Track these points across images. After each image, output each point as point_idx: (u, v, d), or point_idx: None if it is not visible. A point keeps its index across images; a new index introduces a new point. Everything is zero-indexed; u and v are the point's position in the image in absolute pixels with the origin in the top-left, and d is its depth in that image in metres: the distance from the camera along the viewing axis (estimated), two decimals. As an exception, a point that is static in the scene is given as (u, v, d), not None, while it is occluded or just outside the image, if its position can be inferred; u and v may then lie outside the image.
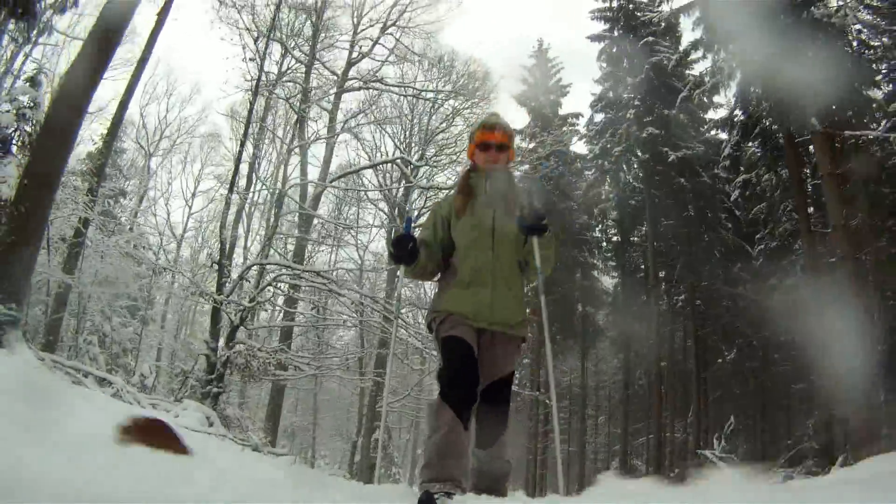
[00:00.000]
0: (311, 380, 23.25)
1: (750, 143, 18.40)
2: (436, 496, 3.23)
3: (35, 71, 14.89)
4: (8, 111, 14.17)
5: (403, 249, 3.70)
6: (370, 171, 23.46)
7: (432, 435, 3.52)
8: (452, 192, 4.15)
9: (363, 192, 24.96)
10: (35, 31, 10.46)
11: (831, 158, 11.97)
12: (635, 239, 27.19)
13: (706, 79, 18.58)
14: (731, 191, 19.72)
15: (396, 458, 29.22)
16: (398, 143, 24.80)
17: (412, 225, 4.03)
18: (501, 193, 3.83)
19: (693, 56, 21.65)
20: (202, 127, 31.82)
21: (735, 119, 18.73)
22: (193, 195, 30.22)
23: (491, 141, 3.91)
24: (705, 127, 23.59)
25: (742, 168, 18.83)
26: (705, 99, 19.11)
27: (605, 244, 29.06)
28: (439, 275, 3.98)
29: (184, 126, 29.50)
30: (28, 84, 14.50)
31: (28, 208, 7.83)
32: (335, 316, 17.93)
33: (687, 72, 22.88)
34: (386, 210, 26.24)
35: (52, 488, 1.50)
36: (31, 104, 14.23)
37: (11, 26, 10.75)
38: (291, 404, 30.51)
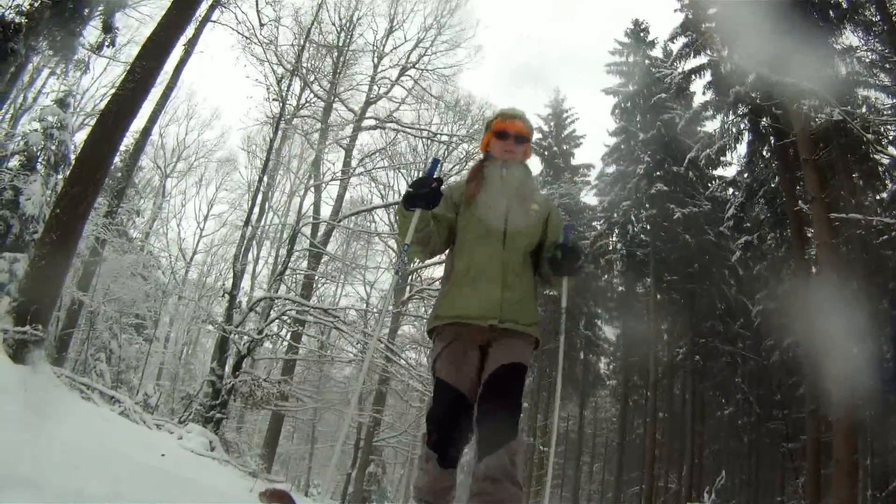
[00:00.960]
0: (311, 410, 23.61)
1: (755, 205, 18.92)
2: None
3: (64, 93, 15.63)
4: (36, 130, 14.90)
5: (426, 187, 3.19)
6: (381, 208, 24.17)
7: (418, 479, 3.30)
8: (462, 179, 3.75)
9: (373, 230, 25.50)
10: (72, 67, 11.00)
11: (829, 226, 12.44)
12: (640, 290, 27.64)
13: (714, 139, 19.26)
14: (734, 249, 20.15)
15: (389, 493, 29.47)
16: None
17: (437, 170, 3.42)
18: (517, 187, 3.52)
19: (705, 114, 22.27)
20: (219, 152, 32.65)
21: (740, 180, 19.34)
22: (206, 218, 30.76)
23: (510, 130, 3.57)
24: (714, 184, 24.08)
25: (748, 226, 19.35)
26: (713, 156, 19.61)
27: (609, 294, 29.53)
28: (443, 270, 3.63)
29: (201, 150, 30.13)
30: (56, 105, 15.26)
31: (59, 236, 8.35)
32: (338, 352, 18.47)
33: (698, 128, 23.49)
34: (395, 248, 26.84)
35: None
36: (59, 125, 14.96)
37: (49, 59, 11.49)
38: (288, 431, 30.78)
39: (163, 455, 7.77)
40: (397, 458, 32.10)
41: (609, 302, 29.31)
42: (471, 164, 24.25)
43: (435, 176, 3.23)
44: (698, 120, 22.67)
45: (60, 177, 14.62)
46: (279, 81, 18.33)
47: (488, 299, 3.27)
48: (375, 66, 24.58)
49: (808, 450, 15.36)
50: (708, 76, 19.82)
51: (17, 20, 9.88)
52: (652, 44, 26.29)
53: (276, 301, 15.36)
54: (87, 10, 10.45)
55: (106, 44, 10.79)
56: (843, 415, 11.36)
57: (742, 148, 19.20)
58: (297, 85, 21.83)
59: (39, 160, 14.61)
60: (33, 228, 14.00)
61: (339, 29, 23.79)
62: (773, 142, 17.67)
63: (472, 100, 25.62)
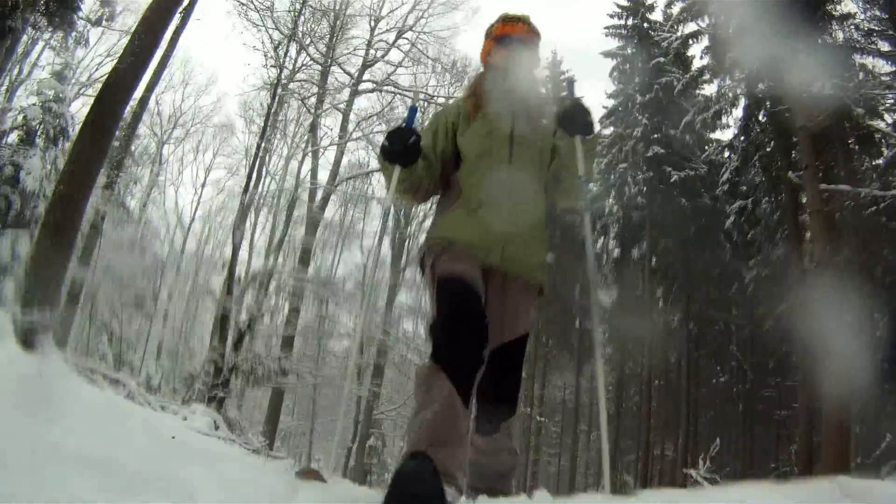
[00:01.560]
0: (311, 386, 23.94)
1: (751, 170, 19.14)
2: None
3: (61, 66, 15.64)
4: (34, 104, 14.93)
5: (402, 143, 2.87)
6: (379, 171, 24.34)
7: (420, 411, 2.63)
8: (458, 98, 3.33)
9: (371, 193, 25.63)
10: (72, 41, 11.08)
11: (820, 195, 12.60)
12: (635, 255, 27.90)
13: (711, 104, 19.44)
14: (729, 214, 20.44)
15: (390, 465, 29.95)
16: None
17: (416, 117, 3.14)
18: (525, 96, 3.14)
19: (703, 78, 22.40)
20: (216, 118, 32.38)
21: (735, 144, 19.55)
22: (203, 184, 30.80)
23: (514, 34, 3.17)
24: (711, 147, 24.26)
25: (743, 189, 19.60)
26: (708, 120, 19.80)
27: (605, 259, 29.78)
28: (437, 197, 3.25)
29: (198, 115, 29.89)
30: (54, 78, 15.28)
31: (63, 215, 8.49)
32: (335, 325, 18.76)
33: (697, 91, 23.53)
34: (392, 211, 27.04)
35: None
36: (57, 98, 15.00)
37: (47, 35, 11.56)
38: (288, 407, 31.15)
39: (173, 437, 7.98)
40: (396, 431, 32.51)
41: (604, 267, 29.56)
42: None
43: (414, 126, 2.96)
44: (696, 84, 22.76)
45: (59, 149, 14.74)
46: (276, 48, 18.35)
47: (491, 228, 2.91)
48: (372, 30, 24.52)
49: (800, 417, 15.76)
50: (705, 41, 20.04)
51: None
52: (651, 7, 26.42)
53: (274, 273, 15.60)
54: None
55: (105, 18, 10.85)
56: (833, 383, 11.67)
57: (738, 112, 19.51)
58: (293, 49, 21.97)
59: (38, 134, 14.66)
60: (34, 204, 14.13)
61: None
62: (768, 106, 17.85)
63: (468, 61, 25.67)
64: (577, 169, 3.00)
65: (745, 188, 19.56)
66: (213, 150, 30.52)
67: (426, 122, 3.41)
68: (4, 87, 16.67)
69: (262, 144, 17.29)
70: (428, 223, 23.38)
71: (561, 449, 33.82)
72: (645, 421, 24.89)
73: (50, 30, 10.70)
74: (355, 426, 26.86)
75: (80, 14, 10.51)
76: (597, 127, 3.10)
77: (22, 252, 12.65)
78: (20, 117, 14.43)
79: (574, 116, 2.95)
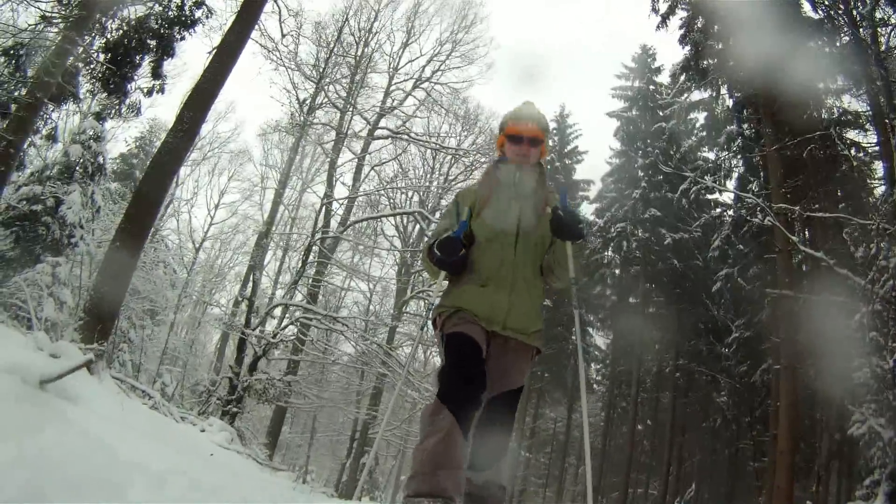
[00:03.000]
0: (313, 401, 25.45)
1: (742, 239, 20.51)
2: None
3: (100, 107, 17.23)
4: (76, 143, 16.53)
5: (451, 255, 3.38)
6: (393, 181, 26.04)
7: (424, 440, 3.16)
8: (475, 182, 3.84)
9: (380, 236, 27.29)
10: (125, 109, 12.63)
11: (791, 276, 14.05)
12: (632, 300, 29.33)
13: (707, 177, 20.86)
14: (717, 280, 21.75)
15: (381, 482, 31.45)
16: (418, 190, 27.25)
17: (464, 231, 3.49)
18: (531, 190, 3.57)
19: (702, 148, 23.79)
20: (232, 143, 34.04)
21: (726, 217, 21.05)
22: (217, 206, 32.44)
23: (522, 133, 3.60)
24: (710, 209, 25.41)
25: (730, 261, 21.00)
26: (702, 195, 21.18)
27: (602, 303, 31.16)
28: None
29: (216, 140, 31.57)
30: (94, 118, 16.85)
31: (119, 267, 10.12)
32: (338, 354, 20.30)
33: (699, 154, 24.86)
34: (399, 246, 28.70)
35: None
36: (96, 137, 16.56)
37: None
38: (286, 419, 32.73)
39: (211, 454, 9.48)
40: (389, 451, 33.97)
41: (601, 311, 30.95)
42: (477, 172, 26.08)
43: (462, 237, 3.38)
44: (697, 149, 24.24)
45: (97, 184, 16.34)
46: (301, 103, 19.96)
47: (496, 303, 3.36)
48: (390, 78, 26.17)
49: (769, 469, 17.10)
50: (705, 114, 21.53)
51: (76, 65, 11.31)
52: (658, 70, 27.81)
53: (289, 307, 17.20)
54: (138, 57, 12.12)
55: (156, 90, 12.43)
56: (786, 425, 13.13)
57: (731, 184, 20.93)
58: (313, 88, 23.61)
59: (77, 170, 16.22)
60: (69, 232, 15.73)
61: (357, 40, 25.44)
62: (762, 177, 19.30)
63: (480, 110, 27.33)
64: (570, 270, 3.51)
65: (731, 260, 20.90)
66: (228, 174, 32.13)
67: (450, 202, 3.94)
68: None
69: (283, 192, 18.82)
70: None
71: (548, 480, 35.16)
72: (627, 460, 26.22)
73: (106, 97, 12.26)
74: (351, 443, 28.40)
75: (134, 84, 12.12)
76: (586, 233, 3.56)
77: (61, 275, 14.24)
78: (62, 155, 15.89)
79: (564, 227, 3.35)
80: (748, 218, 17.72)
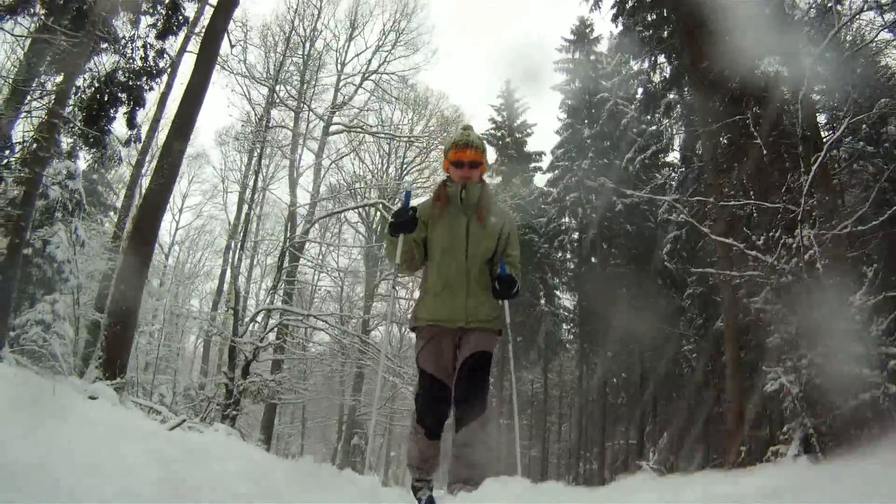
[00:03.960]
0: (302, 395, 27.08)
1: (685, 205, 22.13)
2: (420, 486, 4.23)
3: (70, 145, 18.28)
4: (55, 184, 17.62)
5: (405, 216, 4.17)
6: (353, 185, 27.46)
7: (413, 445, 4.28)
8: (429, 200, 4.49)
9: (345, 224, 28.73)
10: (106, 158, 13.86)
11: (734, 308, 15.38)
12: (594, 260, 31.01)
13: (653, 144, 22.48)
14: (666, 243, 23.37)
15: (371, 461, 33.25)
16: (376, 175, 28.69)
17: (410, 199, 4.35)
18: (475, 205, 4.27)
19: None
20: (190, 148, 35.06)
21: (672, 182, 22.70)
22: (181, 210, 33.59)
23: (464, 160, 4.29)
24: (660, 174, 26.93)
25: (678, 222, 22.67)
26: (647, 160, 22.78)
27: (566, 267, 32.81)
28: (421, 277, 4.56)
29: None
30: (66, 157, 17.94)
31: (124, 308, 11.56)
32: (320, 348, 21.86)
33: (643, 125, 26.29)
34: (364, 232, 30.30)
35: None
36: (69, 175, 17.64)
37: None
38: (278, 410, 34.41)
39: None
40: (376, 430, 35.82)
41: (564, 275, 32.54)
42: (433, 155, 27.37)
43: (410, 206, 4.22)
44: (639, 118, 25.71)
45: (78, 220, 17.50)
46: (260, 120, 21.26)
47: (456, 307, 4.16)
48: (339, 73, 27.38)
49: (729, 413, 18.97)
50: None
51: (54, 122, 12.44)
52: (596, 40, 29.12)
53: (272, 311, 18.71)
54: (112, 111, 13.37)
55: (132, 139, 13.71)
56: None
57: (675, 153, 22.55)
58: (265, 90, 24.85)
59: (57, 210, 17.29)
60: (58, 268, 16.94)
61: (303, 40, 26.58)
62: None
63: (429, 93, 28.74)
64: (506, 326, 4.46)
65: (679, 221, 22.53)
66: (188, 177, 33.23)
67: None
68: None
69: (244, 193, 20.15)
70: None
71: (532, 441, 37.09)
72: (602, 414, 28.16)
73: (87, 149, 13.50)
74: (340, 427, 30.17)
75: (111, 137, 13.37)
76: (517, 292, 4.26)
77: (60, 311, 15.57)
78: (41, 199, 16.93)
79: (503, 293, 4.22)
80: (668, 217, 19.02)
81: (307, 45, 26.45)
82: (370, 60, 27.25)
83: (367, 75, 27.05)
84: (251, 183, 25.65)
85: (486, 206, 4.32)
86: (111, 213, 24.18)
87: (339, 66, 27.37)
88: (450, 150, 4.42)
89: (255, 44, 24.17)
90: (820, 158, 10.15)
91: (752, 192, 17.45)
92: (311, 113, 25.88)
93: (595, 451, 31.67)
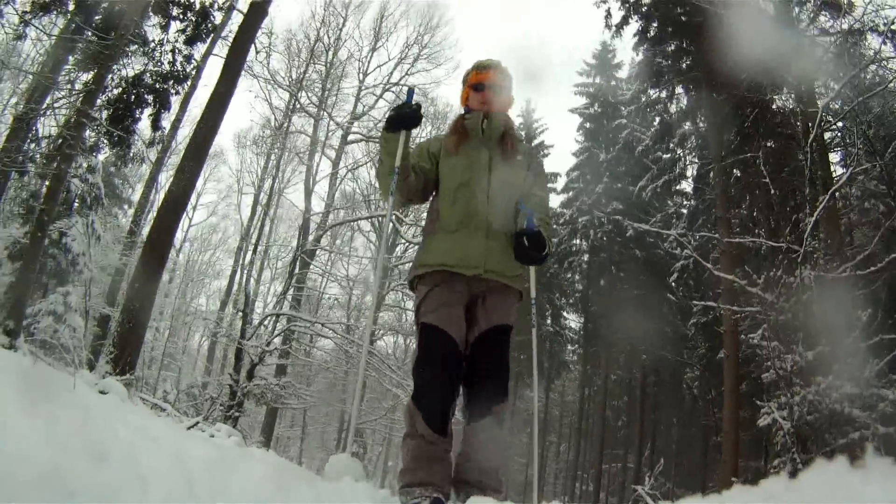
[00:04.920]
0: (304, 399, 27.45)
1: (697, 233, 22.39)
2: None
3: (93, 140, 18.77)
4: (75, 176, 18.07)
5: (408, 110, 3.49)
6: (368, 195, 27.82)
7: (408, 438, 3.28)
8: (441, 133, 3.74)
9: (357, 231, 29.14)
10: (131, 157, 14.31)
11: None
12: (602, 283, 31.27)
13: (666, 173, 22.77)
14: (674, 271, 23.63)
15: (369, 470, 33.60)
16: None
17: (413, 96, 3.65)
18: (499, 135, 3.59)
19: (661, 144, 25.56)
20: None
21: (686, 204, 22.98)
22: (195, 208, 34.05)
23: (485, 82, 3.68)
24: (672, 202, 27.09)
25: (686, 252, 22.91)
26: (658, 189, 23.06)
27: (574, 288, 33.07)
28: (425, 217, 3.82)
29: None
30: (88, 152, 18.38)
31: (137, 308, 11.92)
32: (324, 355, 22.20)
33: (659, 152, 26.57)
34: (374, 239, 30.64)
35: None
36: (90, 169, 18.08)
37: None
38: (278, 413, 34.83)
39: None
40: (375, 439, 36.13)
41: (572, 297, 32.81)
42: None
43: (413, 102, 3.52)
44: (655, 146, 26.04)
45: (96, 214, 17.94)
46: (279, 127, 21.72)
47: (473, 249, 3.35)
48: (360, 83, 27.83)
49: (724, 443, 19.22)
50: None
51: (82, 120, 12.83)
52: (618, 66, 29.56)
53: (280, 317, 19.07)
54: (138, 112, 13.82)
55: (157, 140, 14.16)
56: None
57: (689, 182, 22.84)
58: (287, 95, 25.35)
59: (75, 203, 17.75)
60: (72, 259, 17.33)
61: (326, 48, 27.09)
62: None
63: (449, 108, 29.03)
64: (532, 290, 3.71)
65: (686, 251, 22.74)
66: (204, 175, 33.70)
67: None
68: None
69: (259, 195, 20.55)
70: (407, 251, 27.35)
71: (530, 458, 37.25)
72: (598, 438, 28.38)
73: (111, 149, 13.95)
74: (339, 434, 30.48)
75: (136, 137, 13.83)
76: (547, 255, 3.48)
77: (73, 303, 15.95)
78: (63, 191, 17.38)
79: (527, 255, 3.38)
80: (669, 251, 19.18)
81: (330, 53, 26.94)
82: (392, 72, 27.66)
83: (388, 87, 27.45)
84: (266, 186, 26.19)
85: (512, 138, 3.66)
86: (126, 207, 24.52)
87: (360, 76, 27.83)
88: (470, 73, 3.82)
89: (279, 50, 24.62)
90: (824, 202, 10.44)
91: (762, 227, 17.90)
92: (330, 121, 26.31)
93: (592, 472, 31.85)
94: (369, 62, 27.92)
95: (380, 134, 3.61)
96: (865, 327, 9.79)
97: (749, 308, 11.17)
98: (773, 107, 18.29)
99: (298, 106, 25.82)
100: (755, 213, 18.38)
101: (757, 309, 10.93)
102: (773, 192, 13.37)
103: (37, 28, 12.90)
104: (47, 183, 11.29)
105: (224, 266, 33.86)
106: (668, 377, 28.89)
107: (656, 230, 18.84)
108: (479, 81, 3.70)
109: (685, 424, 28.42)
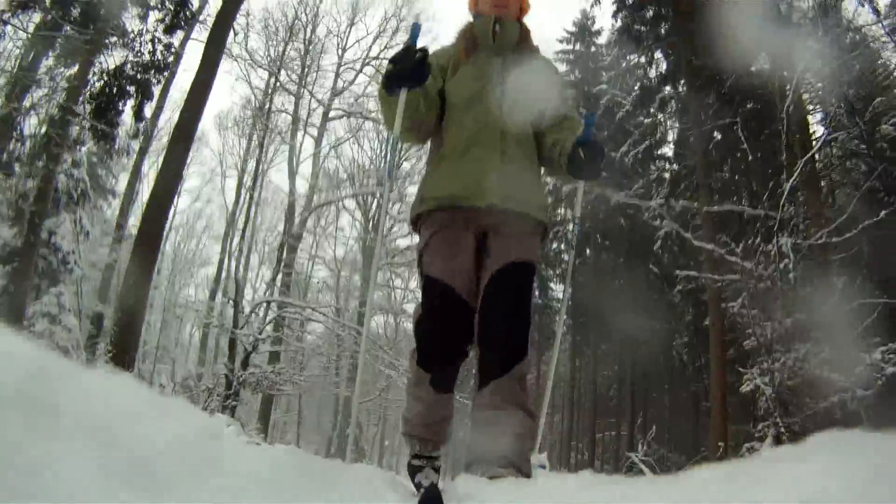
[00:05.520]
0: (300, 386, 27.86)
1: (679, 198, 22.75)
2: (421, 466, 2.83)
3: (77, 134, 18.91)
4: (60, 173, 18.22)
5: (410, 61, 2.68)
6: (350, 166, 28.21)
7: (412, 403, 2.96)
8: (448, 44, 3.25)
9: (343, 210, 29.41)
10: (115, 151, 14.53)
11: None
12: (589, 252, 31.57)
13: (647, 138, 23.05)
14: (657, 238, 23.94)
15: (366, 450, 34.11)
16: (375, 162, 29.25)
17: (418, 36, 2.75)
18: (514, 44, 3.08)
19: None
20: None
21: (665, 175, 23.29)
22: (179, 194, 34.12)
23: None
24: (655, 166, 27.27)
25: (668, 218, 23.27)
26: (640, 155, 23.35)
27: (561, 255, 33.30)
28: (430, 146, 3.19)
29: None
30: (73, 146, 18.53)
31: (133, 304, 12.21)
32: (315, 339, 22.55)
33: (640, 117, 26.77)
34: (360, 218, 30.87)
35: None
36: (74, 163, 18.23)
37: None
38: (274, 400, 35.25)
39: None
40: (370, 420, 36.65)
41: (558, 267, 33.09)
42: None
43: (419, 46, 2.72)
44: (635, 112, 26.29)
45: (82, 210, 18.11)
46: (259, 107, 21.90)
47: (484, 175, 2.82)
48: (340, 59, 27.97)
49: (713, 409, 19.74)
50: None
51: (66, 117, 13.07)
52: (597, 33, 29.74)
53: (271, 303, 19.39)
54: (120, 104, 14.00)
55: (141, 131, 14.38)
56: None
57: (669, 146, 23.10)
58: (266, 75, 25.51)
59: (62, 200, 17.89)
60: (63, 258, 17.51)
61: (304, 24, 27.15)
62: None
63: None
64: (577, 209, 3.56)
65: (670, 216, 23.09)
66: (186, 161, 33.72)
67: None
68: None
69: (243, 177, 20.79)
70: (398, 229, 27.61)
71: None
72: (593, 406, 28.86)
73: (96, 142, 14.13)
74: (335, 417, 30.92)
75: (119, 130, 14.03)
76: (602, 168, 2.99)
77: (66, 303, 16.20)
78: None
79: (584, 168, 2.84)
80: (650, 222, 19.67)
81: (308, 29, 27.01)
82: (370, 46, 27.82)
83: (367, 61, 27.64)
84: (250, 168, 26.37)
85: (529, 46, 3.16)
86: (110, 198, 24.65)
87: (339, 52, 28.05)
88: None
89: (257, 29, 24.75)
90: (800, 167, 10.78)
91: (744, 192, 18.26)
92: (311, 98, 26.45)
93: (586, 441, 32.43)
94: (348, 37, 28.17)
95: (379, 94, 2.94)
96: (845, 292, 10.18)
97: (730, 276, 11.54)
98: (752, 69, 18.65)
99: (279, 84, 25.94)
100: (736, 178, 18.75)
101: (737, 277, 11.30)
102: (750, 157, 13.68)
103: (14, 26, 13.03)
104: (36, 183, 11.48)
105: (211, 253, 34.04)
106: (656, 345, 29.30)
107: (636, 202, 19.08)
108: None
109: (676, 391, 28.96)
